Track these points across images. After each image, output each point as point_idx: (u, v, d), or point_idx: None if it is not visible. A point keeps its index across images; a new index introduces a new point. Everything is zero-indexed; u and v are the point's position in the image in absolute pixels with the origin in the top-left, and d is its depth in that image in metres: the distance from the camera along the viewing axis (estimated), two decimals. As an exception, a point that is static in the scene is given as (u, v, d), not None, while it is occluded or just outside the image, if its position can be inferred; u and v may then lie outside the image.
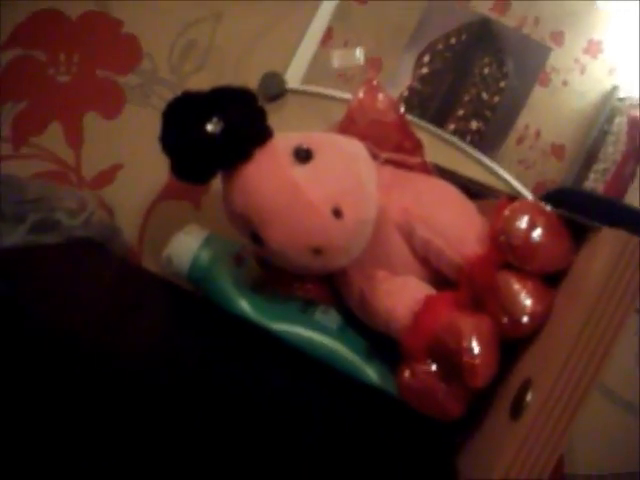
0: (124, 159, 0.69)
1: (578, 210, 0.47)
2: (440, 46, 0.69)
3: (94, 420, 0.36)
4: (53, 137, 0.71)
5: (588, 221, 0.45)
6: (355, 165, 0.47)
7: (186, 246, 0.58)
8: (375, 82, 0.52)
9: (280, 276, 0.52)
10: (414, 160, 0.51)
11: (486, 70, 0.68)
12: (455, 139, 0.67)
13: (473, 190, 0.53)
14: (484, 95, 0.68)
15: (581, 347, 0.40)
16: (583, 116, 0.67)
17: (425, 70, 0.69)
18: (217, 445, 0.39)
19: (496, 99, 0.68)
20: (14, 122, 0.71)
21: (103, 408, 0.38)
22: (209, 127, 0.44)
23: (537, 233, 0.44)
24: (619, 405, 0.64)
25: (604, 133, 0.65)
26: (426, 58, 0.69)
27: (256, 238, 0.46)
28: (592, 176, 0.65)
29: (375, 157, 0.50)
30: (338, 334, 0.55)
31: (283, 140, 0.47)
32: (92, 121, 0.71)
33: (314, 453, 0.43)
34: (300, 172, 0.45)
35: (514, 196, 0.50)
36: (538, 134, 0.67)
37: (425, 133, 0.67)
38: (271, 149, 0.46)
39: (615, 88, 0.66)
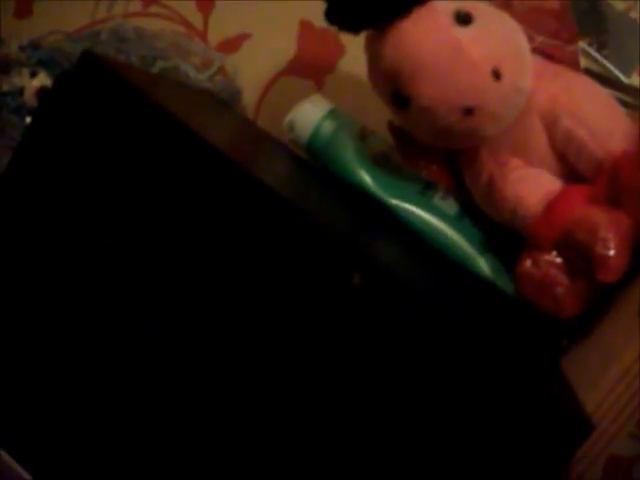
0: (252, 29, 0.68)
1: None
2: None
3: None
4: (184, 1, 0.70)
5: None
6: (516, 34, 0.46)
7: (311, 113, 0.57)
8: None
9: (410, 149, 0.51)
10: (569, 48, 0.49)
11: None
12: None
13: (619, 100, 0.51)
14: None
15: None
16: None
17: None
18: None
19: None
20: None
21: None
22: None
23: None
24: None
25: None
26: None
27: (400, 98, 0.45)
28: None
29: (530, 40, 0.48)
30: (454, 220, 0.54)
31: (443, 3, 0.45)
32: None
33: (411, 335, 0.40)
34: (461, 31, 0.44)
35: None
36: None
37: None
38: (431, 9, 0.44)
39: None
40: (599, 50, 0.64)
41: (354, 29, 0.45)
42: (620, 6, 0.64)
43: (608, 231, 0.42)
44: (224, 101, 0.61)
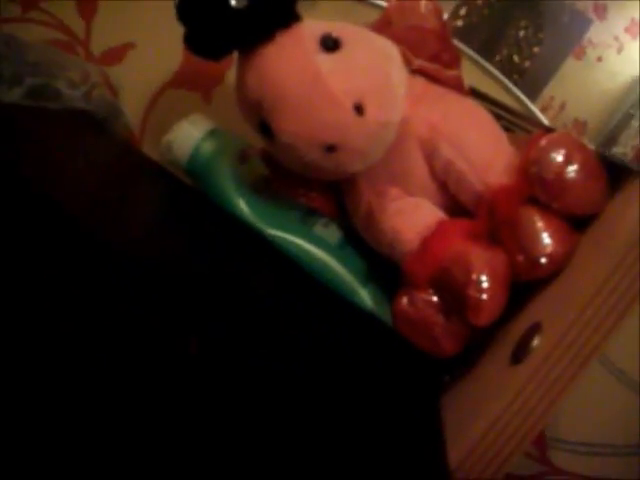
0: (137, 38, 0.65)
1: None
2: (479, 1, 0.66)
3: (76, 292, 0.35)
4: (64, 4, 0.66)
5: (628, 165, 0.41)
6: (386, 63, 0.43)
7: (188, 135, 0.54)
8: (420, -16, 0.47)
9: (285, 178, 0.48)
10: (449, 73, 0.47)
11: (522, 33, 0.66)
12: (496, 71, 0.63)
13: (506, 120, 0.49)
14: (515, 58, 0.66)
15: (602, 298, 0.36)
16: (611, 96, 0.65)
17: (459, 23, 0.66)
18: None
19: (527, 64, 0.66)
20: (24, -18, 0.66)
21: (82, 279, 0.36)
22: (233, 1, 0.40)
23: (572, 169, 0.40)
24: (614, 375, 0.61)
25: (629, 117, 0.64)
26: (462, 11, 0.66)
27: (266, 129, 0.42)
28: (608, 157, 0.64)
29: (408, 64, 0.46)
30: (336, 251, 0.51)
31: (310, 26, 0.42)
32: None
33: (290, 365, 0.40)
34: (325, 60, 0.41)
35: (552, 128, 0.46)
36: (563, 107, 0.66)
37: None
38: (296, 33, 0.42)
39: (650, 73, 0.63)
40: (535, 33, 0.65)
41: (213, 56, 0.42)
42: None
43: (482, 272, 0.40)
44: (100, 121, 0.57)
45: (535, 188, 0.41)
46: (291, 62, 0.41)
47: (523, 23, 0.65)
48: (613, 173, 0.42)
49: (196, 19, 0.41)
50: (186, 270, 0.43)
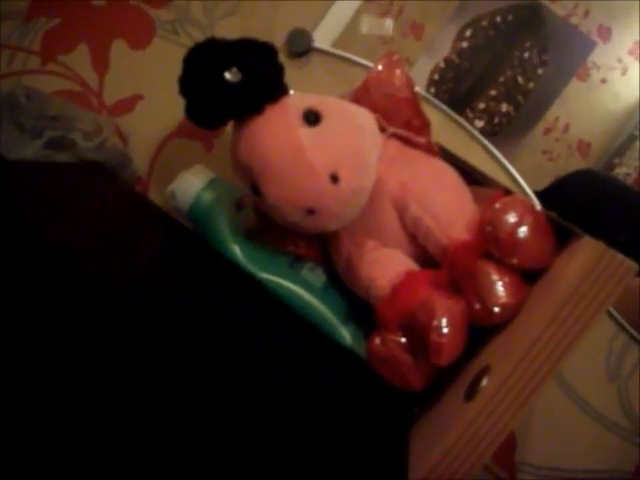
0: (145, 91, 0.71)
1: (592, 192, 0.47)
2: (484, 22, 0.68)
3: (81, 334, 0.38)
4: (80, 59, 0.72)
5: (572, 227, 0.47)
6: (360, 136, 0.49)
7: (190, 185, 0.60)
8: (396, 57, 0.53)
9: (274, 229, 0.53)
10: (419, 139, 0.52)
11: (526, 54, 0.67)
12: (469, 125, 0.67)
13: (472, 176, 0.55)
14: (520, 79, 0.67)
15: (543, 342, 0.41)
16: (615, 117, 0.66)
17: (465, 44, 0.68)
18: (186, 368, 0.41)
19: (531, 85, 0.67)
20: (44, 37, 0.72)
21: (93, 322, 0.40)
22: (228, 76, 0.46)
23: (523, 230, 0.45)
24: (579, 405, 0.66)
25: (633, 138, 0.65)
26: (468, 32, 0.68)
27: (255, 189, 0.48)
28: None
29: (383, 130, 0.51)
30: (320, 292, 0.57)
31: (296, 100, 0.48)
32: (120, 49, 0.72)
33: (271, 395, 0.45)
34: (306, 134, 0.46)
35: (509, 190, 0.51)
36: (567, 128, 0.67)
37: (440, 114, 0.67)
38: (283, 107, 0.47)
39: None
40: (540, 55, 0.66)
41: (211, 127, 0.48)
42: (561, 12, 0.66)
43: (443, 317, 0.45)
44: (111, 170, 0.63)
45: (490, 245, 0.47)
46: (277, 135, 0.46)
47: (528, 45, 0.67)
48: (562, 232, 0.47)
49: (195, 93, 0.47)
50: (184, 306, 0.49)
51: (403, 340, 0.49)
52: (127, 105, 0.71)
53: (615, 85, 0.66)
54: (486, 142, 0.66)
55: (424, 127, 0.53)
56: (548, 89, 0.66)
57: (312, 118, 0.47)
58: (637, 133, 0.64)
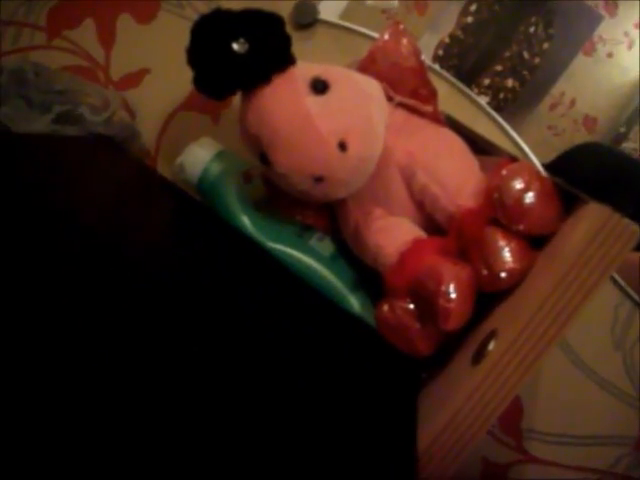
0: (152, 65, 0.71)
1: (599, 165, 0.47)
2: None
3: (89, 307, 0.38)
4: (86, 34, 0.72)
5: (578, 193, 0.47)
6: (368, 104, 0.49)
7: (199, 157, 0.60)
8: (401, 26, 0.53)
9: (282, 198, 0.54)
10: (426, 108, 0.53)
11: (532, 29, 0.67)
12: (476, 97, 0.67)
13: (479, 146, 0.55)
14: (525, 54, 0.67)
15: (549, 306, 0.42)
16: (622, 92, 0.65)
17: (470, 19, 0.67)
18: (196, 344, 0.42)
19: (537, 60, 0.67)
20: (50, 13, 0.72)
21: (104, 294, 0.40)
22: (235, 46, 0.47)
23: (529, 196, 0.46)
24: (585, 372, 0.67)
25: None
26: (473, 7, 0.67)
27: (264, 159, 0.49)
28: (618, 154, 0.63)
29: (390, 99, 0.52)
30: (329, 262, 0.58)
31: (303, 69, 0.48)
32: (125, 23, 0.72)
33: (283, 364, 0.45)
34: (314, 102, 0.47)
35: (515, 157, 0.52)
36: (573, 103, 0.67)
37: (446, 85, 0.67)
38: (290, 76, 0.48)
39: (661, 69, 0.63)
40: (545, 29, 0.66)
41: (219, 97, 0.49)
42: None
43: (450, 283, 0.46)
44: (119, 144, 0.64)
45: (497, 212, 0.47)
46: (285, 104, 0.47)
47: (533, 19, 0.67)
48: (569, 198, 0.48)
49: (203, 63, 0.48)
50: (194, 277, 0.49)
51: (411, 306, 0.50)
52: (134, 79, 0.71)
53: (622, 59, 0.65)
54: (494, 113, 0.67)
55: (431, 96, 0.54)
56: (554, 64, 0.66)
57: (320, 87, 0.47)
58: (643, 108, 0.62)
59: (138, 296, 0.43)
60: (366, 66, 0.53)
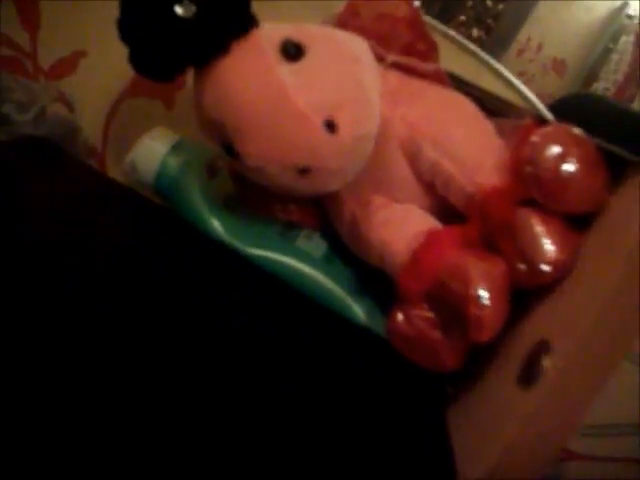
0: (88, 45, 0.60)
1: (590, 120, 0.40)
2: None
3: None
4: (5, 16, 0.60)
5: (632, 155, 0.38)
6: (356, 67, 0.39)
7: (152, 151, 0.50)
8: (385, -33, 0.43)
9: (258, 195, 0.44)
10: (427, 66, 0.43)
11: None
12: (462, 40, 0.58)
13: (489, 107, 0.45)
14: (488, 2, 0.63)
15: (616, 310, 0.33)
16: (588, 32, 0.63)
17: None
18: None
19: (500, 7, 0.63)
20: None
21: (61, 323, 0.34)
22: (178, 10, 0.36)
23: (570, 166, 0.36)
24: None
25: (608, 51, 0.63)
26: None
27: (230, 150, 0.39)
28: (591, 95, 0.62)
29: (380, 59, 0.42)
30: (322, 263, 0.48)
31: (269, 31, 0.38)
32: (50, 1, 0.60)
33: (288, 396, 0.37)
34: (287, 71, 0.37)
35: (542, 118, 0.42)
36: (540, 47, 0.65)
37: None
38: (253, 42, 0.37)
39: (625, 5, 0.62)
40: (495, 4, 0.62)
41: (165, 77, 0.38)
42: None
43: (481, 285, 0.37)
44: (55, 144, 0.53)
45: (531, 189, 0.38)
46: (251, 77, 0.36)
47: None
48: (613, 163, 0.38)
49: (139, 36, 0.37)
50: (158, 297, 0.41)
51: (430, 314, 0.41)
52: (68, 65, 0.60)
53: None
54: (489, 59, 0.57)
55: (430, 51, 0.44)
56: (518, 9, 0.63)
57: (293, 51, 0.37)
58: (611, 45, 0.62)
59: (109, 323, 0.36)
60: (346, 21, 0.43)
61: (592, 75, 0.63)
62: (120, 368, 0.33)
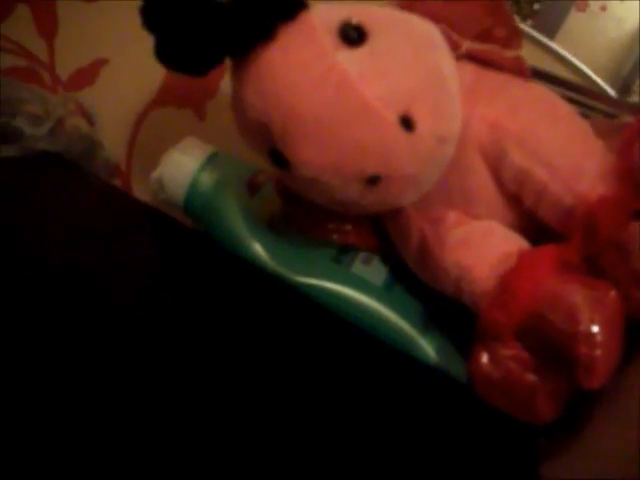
0: (109, 53, 0.56)
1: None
2: None
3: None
4: (20, 23, 0.57)
5: None
6: (431, 53, 0.33)
7: (182, 166, 0.45)
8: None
9: (310, 213, 0.39)
10: (507, 54, 0.37)
11: None
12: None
13: (580, 105, 0.39)
14: (516, 18, 0.59)
15: None
16: (620, 45, 0.60)
17: None
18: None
19: (528, 23, 0.59)
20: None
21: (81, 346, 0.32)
22: (214, -8, 0.31)
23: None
24: None
25: None
26: None
27: (278, 158, 0.32)
28: (623, 109, 0.60)
29: (454, 47, 0.35)
30: (383, 293, 0.42)
31: (323, 13, 0.32)
32: (68, 4, 0.57)
33: (356, 455, 0.33)
34: (349, 58, 0.30)
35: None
36: None
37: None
38: (305, 25, 0.31)
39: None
40: (530, 3, 0.60)
41: (200, 71, 0.32)
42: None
43: (592, 320, 0.30)
44: (73, 162, 0.47)
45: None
46: (304, 66, 0.30)
47: None
48: None
49: (167, 19, 0.31)
50: (195, 335, 0.36)
51: (524, 354, 0.34)
52: (88, 74, 0.56)
53: (616, 11, 0.60)
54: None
55: (513, 37, 0.38)
56: (547, 24, 0.61)
57: (354, 34, 0.31)
58: (645, 59, 0.57)
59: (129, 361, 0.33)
60: (410, 5, 0.37)
61: (624, 89, 0.57)
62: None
